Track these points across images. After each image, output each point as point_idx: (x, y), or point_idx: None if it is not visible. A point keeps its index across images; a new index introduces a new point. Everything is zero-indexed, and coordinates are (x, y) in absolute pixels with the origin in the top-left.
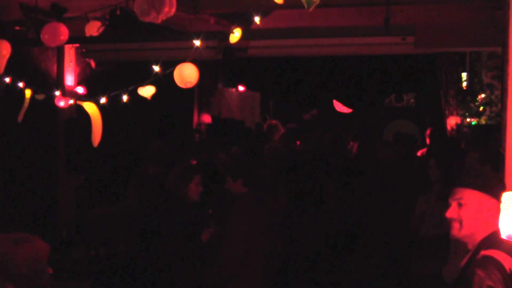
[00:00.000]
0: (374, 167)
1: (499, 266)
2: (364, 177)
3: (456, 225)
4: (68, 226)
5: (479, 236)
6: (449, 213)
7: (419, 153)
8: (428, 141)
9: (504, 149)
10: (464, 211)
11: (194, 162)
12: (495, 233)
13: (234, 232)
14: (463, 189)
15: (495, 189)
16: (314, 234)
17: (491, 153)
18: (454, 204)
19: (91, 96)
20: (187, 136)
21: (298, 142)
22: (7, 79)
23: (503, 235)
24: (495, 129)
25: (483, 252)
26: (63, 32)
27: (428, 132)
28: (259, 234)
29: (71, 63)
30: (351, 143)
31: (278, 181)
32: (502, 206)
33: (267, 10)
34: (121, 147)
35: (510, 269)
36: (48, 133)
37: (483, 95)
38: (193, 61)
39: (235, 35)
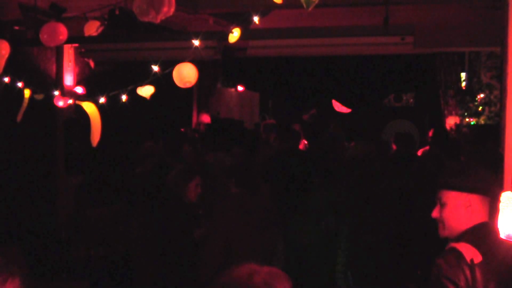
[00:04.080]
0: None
1: (459, 256)
2: (361, 178)
3: (440, 225)
4: (67, 226)
5: (458, 230)
6: (434, 214)
7: (419, 153)
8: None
9: (503, 149)
10: (445, 211)
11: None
12: (474, 227)
13: (214, 232)
14: (442, 190)
15: (473, 185)
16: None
17: (489, 153)
18: (438, 205)
19: (90, 96)
20: (186, 136)
21: (305, 142)
22: (6, 79)
23: (502, 235)
24: (494, 129)
25: (451, 245)
26: (62, 32)
27: (431, 133)
28: (243, 235)
29: (70, 63)
30: (353, 143)
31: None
32: (500, 205)
33: (266, 10)
34: (120, 147)
35: (471, 260)
36: (47, 133)
37: (482, 95)
38: (192, 61)
39: (234, 35)
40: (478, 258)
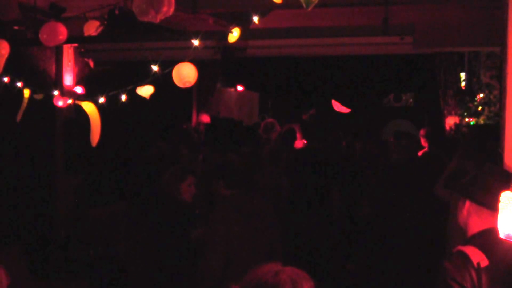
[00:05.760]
0: (375, 168)
1: (466, 259)
2: (366, 178)
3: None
4: (66, 226)
5: (470, 233)
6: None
7: (419, 154)
8: (422, 141)
9: (503, 149)
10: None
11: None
12: (481, 232)
13: (211, 238)
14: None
15: (463, 189)
16: (317, 234)
17: (488, 153)
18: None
19: (89, 95)
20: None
21: (305, 141)
22: (6, 79)
23: (501, 234)
24: (494, 129)
25: (458, 248)
26: (62, 31)
27: (422, 132)
28: (241, 238)
29: (69, 63)
30: (344, 143)
31: (279, 181)
32: (500, 205)
33: (266, 9)
34: (119, 146)
35: (478, 263)
36: (47, 133)
37: (481, 95)
38: (191, 60)
39: (234, 34)
40: (484, 262)
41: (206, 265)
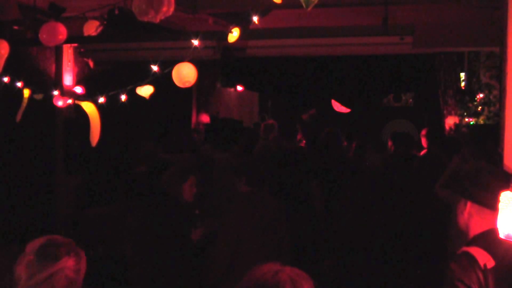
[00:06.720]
0: (370, 167)
1: (472, 261)
2: (359, 177)
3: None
4: (66, 226)
5: (472, 234)
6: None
7: (420, 154)
8: (423, 141)
9: (502, 149)
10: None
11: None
12: (486, 232)
13: (224, 232)
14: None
15: (464, 190)
16: (297, 231)
17: (488, 153)
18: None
19: (89, 95)
20: (185, 136)
21: (304, 141)
22: (6, 79)
23: (501, 234)
24: (493, 129)
25: (463, 249)
26: (62, 31)
27: (423, 132)
28: (252, 234)
29: (69, 63)
30: (345, 143)
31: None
32: (500, 205)
33: (266, 9)
34: (119, 146)
35: (484, 264)
36: (47, 132)
37: (481, 95)
38: (191, 60)
39: (234, 34)
40: (491, 263)
41: (216, 254)
